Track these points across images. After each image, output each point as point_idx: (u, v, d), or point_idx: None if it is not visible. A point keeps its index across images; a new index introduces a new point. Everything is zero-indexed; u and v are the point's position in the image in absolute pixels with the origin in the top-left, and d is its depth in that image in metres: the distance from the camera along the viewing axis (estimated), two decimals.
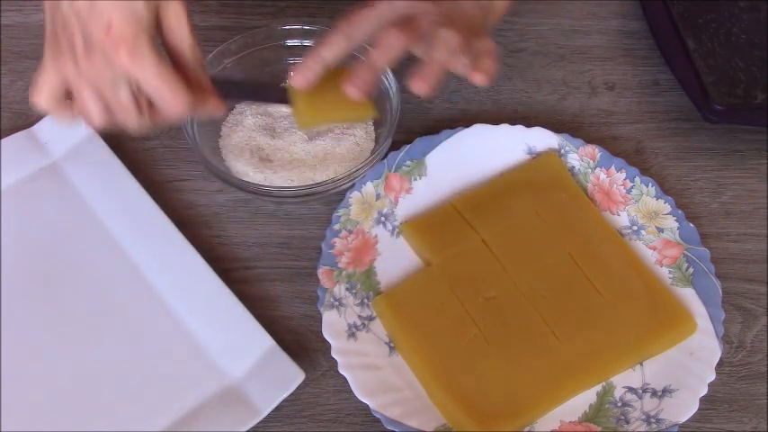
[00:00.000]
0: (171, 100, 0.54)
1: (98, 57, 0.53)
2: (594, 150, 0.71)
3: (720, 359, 0.61)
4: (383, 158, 0.70)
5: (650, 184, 0.69)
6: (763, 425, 0.62)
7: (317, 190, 0.67)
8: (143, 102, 0.56)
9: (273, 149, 0.71)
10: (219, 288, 0.64)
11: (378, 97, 0.72)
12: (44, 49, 0.55)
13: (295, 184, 0.69)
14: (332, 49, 0.59)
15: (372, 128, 0.73)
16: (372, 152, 0.70)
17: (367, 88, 0.59)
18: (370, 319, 0.64)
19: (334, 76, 0.60)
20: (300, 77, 0.60)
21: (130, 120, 0.56)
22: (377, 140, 0.72)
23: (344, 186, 0.68)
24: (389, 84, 0.71)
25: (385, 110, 0.71)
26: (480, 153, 0.71)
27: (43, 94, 0.56)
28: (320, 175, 0.69)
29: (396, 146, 0.71)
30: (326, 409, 0.62)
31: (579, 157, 0.71)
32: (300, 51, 0.74)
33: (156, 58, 0.53)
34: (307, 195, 0.68)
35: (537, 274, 0.64)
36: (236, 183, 0.67)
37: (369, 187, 0.69)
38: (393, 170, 0.70)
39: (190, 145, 0.68)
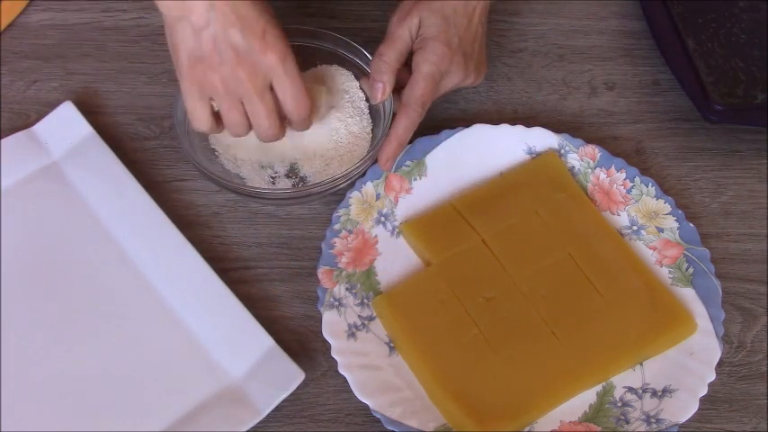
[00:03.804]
0: (303, 103, 0.62)
1: (249, 63, 0.58)
2: (594, 150, 0.71)
3: (720, 359, 0.61)
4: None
5: (650, 184, 0.69)
6: (763, 425, 0.62)
7: (312, 191, 0.67)
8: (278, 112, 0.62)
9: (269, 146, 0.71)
10: (219, 288, 0.64)
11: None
12: (178, 70, 0.60)
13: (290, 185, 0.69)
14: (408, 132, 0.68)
15: (370, 127, 0.73)
16: (369, 150, 0.70)
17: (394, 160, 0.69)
18: (370, 319, 0.64)
19: None
20: (389, 164, 0.69)
21: (268, 126, 0.62)
22: (372, 141, 0.72)
23: (341, 186, 0.68)
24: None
25: (379, 113, 0.71)
26: (480, 153, 0.71)
27: (203, 117, 0.62)
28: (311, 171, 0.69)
29: None
30: (326, 409, 0.62)
31: (579, 157, 0.71)
32: (296, 51, 0.74)
33: (296, 66, 0.61)
34: (300, 197, 0.68)
35: (537, 274, 0.64)
36: (227, 185, 0.67)
37: (369, 187, 0.69)
38: (393, 170, 0.70)
39: (182, 147, 0.67)
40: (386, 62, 0.66)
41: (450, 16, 0.66)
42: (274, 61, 0.59)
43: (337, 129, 0.70)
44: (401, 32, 0.67)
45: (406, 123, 0.67)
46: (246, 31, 0.58)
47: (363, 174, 0.69)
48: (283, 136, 0.64)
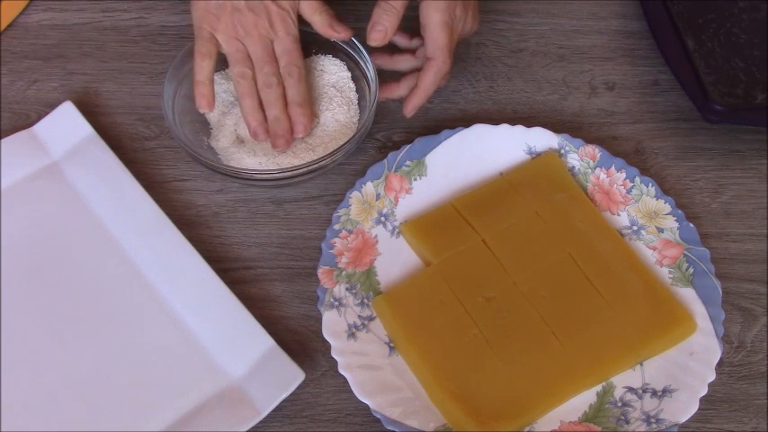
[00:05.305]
0: (298, 63, 0.68)
1: (256, 11, 0.66)
2: (594, 150, 0.71)
3: (720, 359, 0.61)
4: (384, 158, 0.70)
5: (650, 184, 0.69)
6: (763, 425, 0.62)
7: (298, 172, 0.67)
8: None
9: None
10: (219, 288, 0.64)
11: (358, 83, 0.74)
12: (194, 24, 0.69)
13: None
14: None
15: (356, 117, 0.73)
16: (357, 130, 0.70)
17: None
18: (370, 319, 0.64)
19: None
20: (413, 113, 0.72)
21: (263, 53, 0.67)
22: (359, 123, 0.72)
23: (325, 165, 0.68)
24: (368, 68, 0.72)
25: (364, 93, 0.73)
26: (480, 153, 0.71)
27: (203, 68, 0.68)
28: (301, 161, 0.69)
29: (396, 146, 0.71)
30: (326, 409, 0.62)
31: (579, 157, 0.71)
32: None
33: (297, 28, 0.69)
34: (288, 178, 0.68)
35: (537, 274, 0.64)
36: (208, 164, 0.68)
37: (369, 187, 0.69)
38: (393, 170, 0.70)
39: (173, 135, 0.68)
40: (393, 6, 0.67)
41: None
42: (275, 12, 0.66)
43: (324, 118, 0.71)
44: None
45: (434, 76, 0.69)
46: None
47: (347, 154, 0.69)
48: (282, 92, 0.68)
